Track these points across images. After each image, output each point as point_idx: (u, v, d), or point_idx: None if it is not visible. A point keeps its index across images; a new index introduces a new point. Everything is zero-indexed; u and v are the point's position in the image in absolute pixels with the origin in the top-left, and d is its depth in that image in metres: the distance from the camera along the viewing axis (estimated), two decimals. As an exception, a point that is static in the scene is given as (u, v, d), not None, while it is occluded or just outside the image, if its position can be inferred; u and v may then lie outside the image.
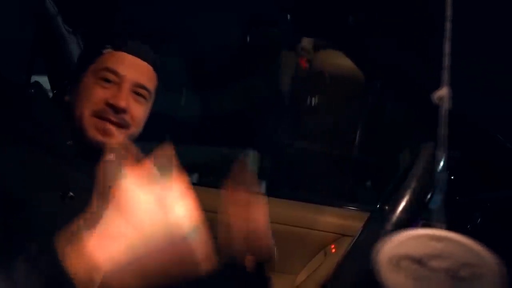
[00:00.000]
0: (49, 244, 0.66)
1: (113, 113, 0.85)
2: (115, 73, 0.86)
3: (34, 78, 1.21)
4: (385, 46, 1.08)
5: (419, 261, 0.34)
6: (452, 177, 0.95)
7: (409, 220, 0.63)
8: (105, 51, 0.89)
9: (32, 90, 0.92)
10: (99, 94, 0.85)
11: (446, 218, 0.99)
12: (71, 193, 0.80)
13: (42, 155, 0.83)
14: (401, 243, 0.35)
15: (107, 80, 0.86)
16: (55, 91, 1.10)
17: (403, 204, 0.63)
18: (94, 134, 0.85)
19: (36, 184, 0.80)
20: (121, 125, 0.86)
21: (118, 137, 0.86)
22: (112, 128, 0.85)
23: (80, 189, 0.82)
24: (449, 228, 0.96)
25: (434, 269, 0.34)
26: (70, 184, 0.82)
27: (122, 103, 0.84)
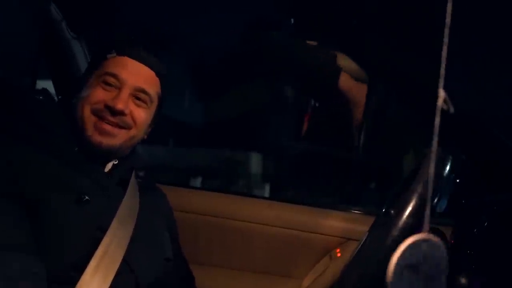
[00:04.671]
0: None
1: (111, 115, 0.86)
2: (116, 77, 0.88)
3: (39, 83, 1.22)
4: (388, 47, 1.07)
5: (414, 268, 0.34)
6: (458, 180, 0.95)
7: (416, 225, 0.63)
8: (109, 56, 0.90)
9: (40, 97, 0.93)
10: (99, 95, 0.87)
11: (452, 221, 0.98)
12: (86, 197, 0.81)
13: (52, 160, 0.83)
14: (403, 252, 0.35)
15: (109, 84, 0.88)
16: (60, 96, 1.10)
17: (409, 209, 0.63)
18: (92, 133, 0.86)
19: (50, 188, 0.80)
20: (121, 126, 0.88)
21: (118, 137, 0.87)
22: (111, 129, 0.86)
23: (93, 194, 0.83)
24: (455, 231, 0.96)
25: (425, 275, 0.34)
26: (82, 189, 0.83)
27: (119, 105, 0.85)
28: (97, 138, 0.86)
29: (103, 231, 0.82)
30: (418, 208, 0.62)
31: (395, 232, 0.61)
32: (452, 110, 0.38)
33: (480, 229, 0.86)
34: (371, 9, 1.04)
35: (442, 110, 0.40)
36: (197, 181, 3.55)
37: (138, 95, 0.89)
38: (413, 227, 0.62)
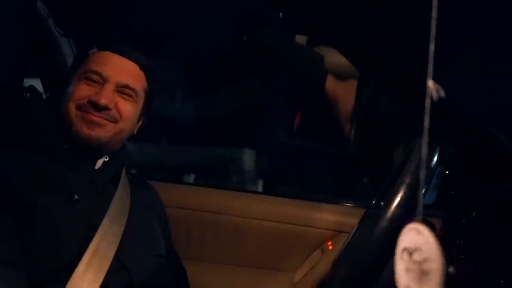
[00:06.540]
0: None
1: (95, 110, 0.86)
2: (98, 73, 0.88)
3: (27, 81, 1.21)
4: (379, 43, 1.08)
5: (410, 253, 0.35)
6: (447, 172, 0.96)
7: (404, 216, 0.64)
8: (90, 52, 0.90)
9: (28, 94, 0.92)
10: (83, 91, 0.87)
11: (441, 212, 1.00)
12: (76, 196, 0.81)
13: (42, 159, 0.84)
14: (404, 236, 0.36)
15: (92, 80, 0.88)
16: (48, 94, 1.10)
17: (397, 200, 0.64)
18: (80, 127, 0.86)
19: (40, 188, 0.80)
20: (107, 120, 0.87)
21: (106, 128, 0.87)
22: (98, 119, 0.86)
23: (84, 192, 0.83)
24: (445, 222, 0.97)
25: (414, 262, 0.35)
26: (73, 187, 0.82)
27: (103, 100, 0.85)
28: (86, 130, 0.86)
29: (95, 229, 0.82)
30: (406, 199, 0.63)
31: (384, 223, 0.62)
32: (442, 94, 0.38)
33: (468, 220, 0.88)
34: (361, 4, 1.05)
35: (432, 101, 0.40)
36: (191, 179, 3.56)
37: (123, 90, 0.89)
38: (402, 217, 0.63)
